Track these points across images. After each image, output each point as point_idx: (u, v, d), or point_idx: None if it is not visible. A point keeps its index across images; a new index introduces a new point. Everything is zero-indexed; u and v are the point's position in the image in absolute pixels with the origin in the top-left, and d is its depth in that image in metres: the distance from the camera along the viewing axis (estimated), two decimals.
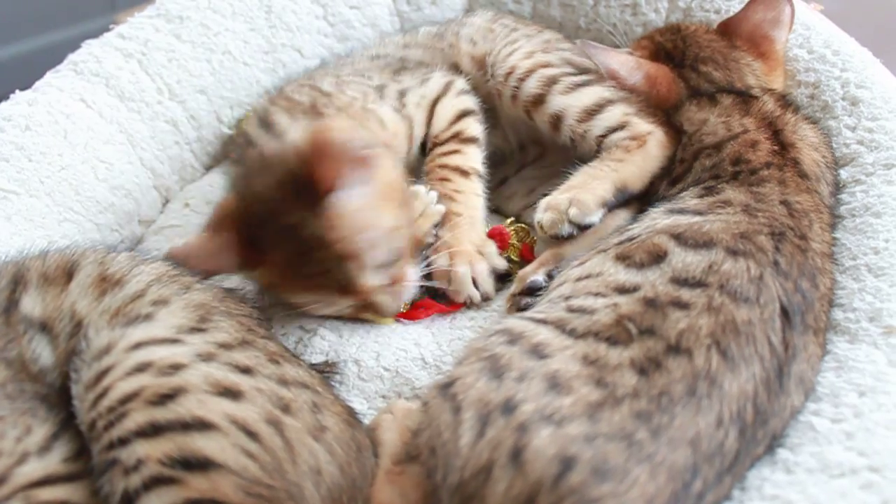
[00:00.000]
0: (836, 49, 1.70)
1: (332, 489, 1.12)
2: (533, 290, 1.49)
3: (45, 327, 1.22)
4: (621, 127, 1.61)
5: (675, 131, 1.60)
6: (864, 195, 1.47)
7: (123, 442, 1.06)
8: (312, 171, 1.35)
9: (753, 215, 1.31)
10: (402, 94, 1.73)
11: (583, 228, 1.51)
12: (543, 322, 1.21)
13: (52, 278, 1.26)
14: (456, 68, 1.88)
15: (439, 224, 1.61)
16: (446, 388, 1.13)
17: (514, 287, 1.53)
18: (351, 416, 1.27)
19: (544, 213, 1.53)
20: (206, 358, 1.16)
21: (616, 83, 1.66)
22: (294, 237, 1.40)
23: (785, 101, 1.59)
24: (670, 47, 1.68)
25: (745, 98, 1.57)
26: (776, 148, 1.46)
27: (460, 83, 1.78)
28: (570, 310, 1.23)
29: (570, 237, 1.52)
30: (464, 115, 1.73)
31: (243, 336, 1.25)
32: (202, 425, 1.07)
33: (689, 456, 1.04)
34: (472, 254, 1.58)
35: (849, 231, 1.44)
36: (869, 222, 1.42)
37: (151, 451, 1.05)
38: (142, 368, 1.12)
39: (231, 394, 1.12)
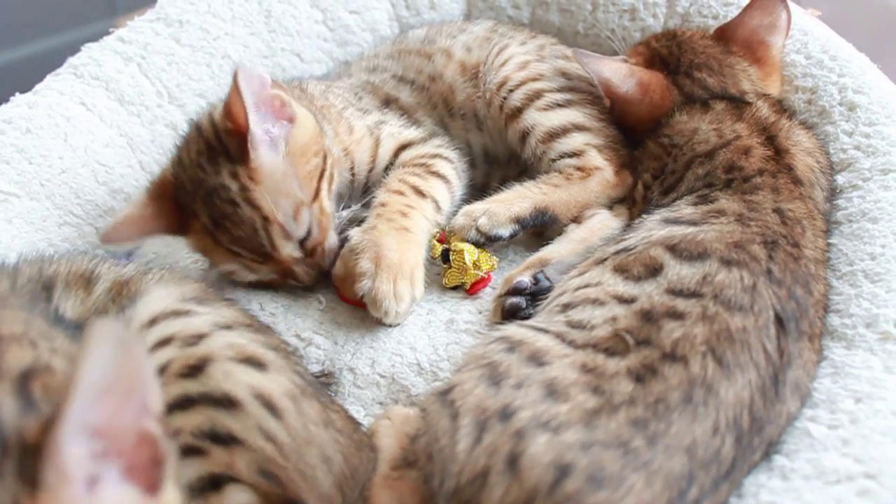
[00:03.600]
0: (834, 54, 1.71)
1: (338, 477, 1.13)
2: (518, 291, 1.50)
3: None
4: (575, 154, 1.65)
5: (632, 175, 1.65)
6: (860, 200, 1.47)
7: None
8: (227, 116, 1.46)
9: (747, 224, 1.32)
10: (380, 122, 1.78)
11: (491, 239, 1.59)
12: (544, 331, 1.22)
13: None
14: (437, 79, 1.90)
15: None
16: (445, 394, 1.14)
17: (500, 288, 1.54)
18: (349, 416, 1.29)
19: (458, 217, 1.61)
20: (225, 326, 1.18)
21: (608, 92, 1.67)
22: (215, 201, 1.50)
23: (780, 107, 1.60)
24: (665, 53, 1.69)
25: (738, 104, 1.58)
26: (770, 153, 1.46)
27: (438, 140, 1.80)
28: (570, 324, 1.24)
29: (479, 244, 1.60)
30: (437, 157, 1.74)
31: (250, 321, 1.29)
32: (229, 402, 1.08)
33: (686, 463, 1.05)
34: (401, 270, 1.48)
35: (845, 237, 1.44)
36: (866, 228, 1.43)
37: (186, 422, 1.07)
38: (165, 342, 1.13)
39: (256, 364, 1.13)
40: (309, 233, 1.55)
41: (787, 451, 1.16)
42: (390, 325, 1.52)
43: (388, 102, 1.87)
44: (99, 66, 1.92)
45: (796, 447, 1.16)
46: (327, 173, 1.58)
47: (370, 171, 1.74)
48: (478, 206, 1.61)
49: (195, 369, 1.10)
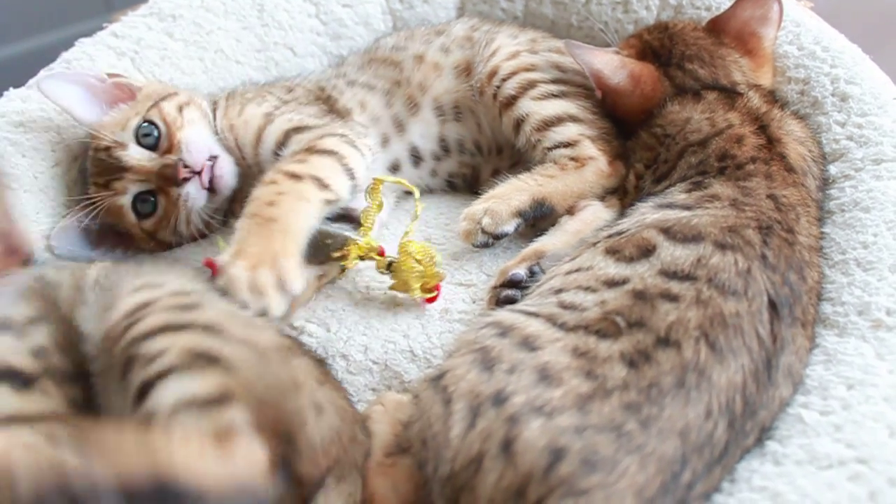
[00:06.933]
0: (826, 45, 1.72)
1: (332, 428, 1.13)
2: (514, 283, 1.50)
3: None
4: (569, 145, 1.66)
5: (625, 166, 1.65)
6: (853, 190, 1.48)
7: (146, 336, 1.07)
8: None
9: (741, 209, 1.32)
10: (288, 110, 1.79)
11: (497, 237, 1.58)
12: (535, 315, 1.22)
13: None
14: (402, 84, 1.90)
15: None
16: (437, 379, 1.14)
17: (494, 280, 1.54)
18: (348, 396, 1.30)
19: (462, 222, 1.60)
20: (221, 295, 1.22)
21: (600, 83, 1.67)
22: (95, 164, 1.73)
23: (772, 97, 1.61)
24: (657, 45, 1.69)
25: (729, 94, 1.58)
26: (763, 142, 1.47)
27: (340, 124, 1.79)
28: (562, 305, 1.24)
29: (486, 245, 1.60)
30: (325, 136, 1.68)
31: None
32: (217, 330, 1.09)
33: (679, 447, 1.05)
34: (262, 259, 1.37)
35: (838, 226, 1.45)
36: (858, 217, 1.43)
37: (175, 342, 1.05)
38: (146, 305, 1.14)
39: (247, 323, 1.15)
40: (159, 136, 1.68)
41: (780, 436, 1.16)
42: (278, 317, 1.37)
43: (318, 99, 1.88)
44: (92, 60, 1.92)
45: (789, 433, 1.16)
46: (175, 98, 1.74)
47: (256, 146, 1.74)
48: (477, 208, 1.60)
49: (184, 308, 1.13)
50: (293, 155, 1.62)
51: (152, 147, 1.68)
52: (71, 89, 1.71)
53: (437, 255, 1.54)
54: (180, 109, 1.72)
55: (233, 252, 1.38)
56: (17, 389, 1.08)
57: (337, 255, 1.56)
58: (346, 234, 1.57)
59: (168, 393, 1.00)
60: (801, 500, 1.05)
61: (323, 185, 1.54)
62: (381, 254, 1.56)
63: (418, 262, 1.52)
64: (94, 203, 1.68)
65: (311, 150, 1.62)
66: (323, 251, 1.56)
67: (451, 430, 1.07)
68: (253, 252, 1.38)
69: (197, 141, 1.69)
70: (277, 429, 1.03)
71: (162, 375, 1.02)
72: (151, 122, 1.68)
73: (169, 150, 1.66)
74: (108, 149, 1.67)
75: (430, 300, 1.56)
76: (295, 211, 1.47)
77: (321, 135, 1.67)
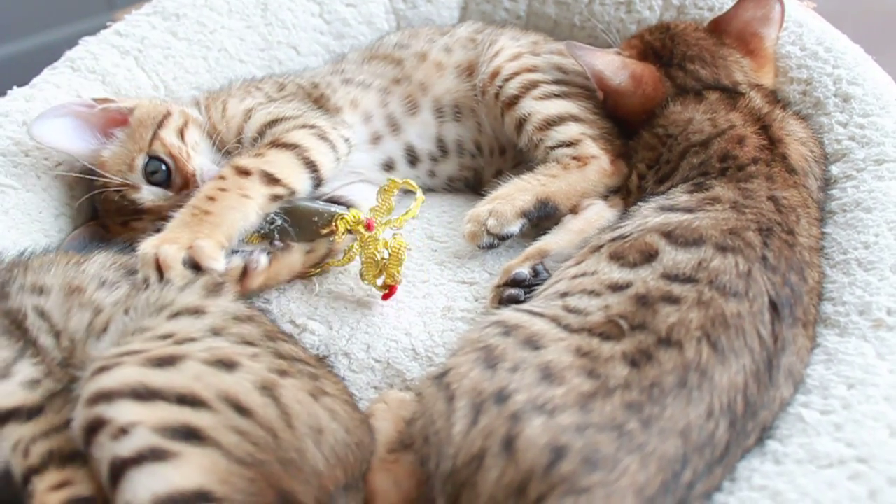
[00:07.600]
0: (829, 46, 1.72)
1: (337, 447, 1.12)
2: (517, 282, 1.50)
3: None
4: (571, 144, 1.66)
5: (627, 165, 1.65)
6: (854, 191, 1.48)
7: (112, 396, 1.05)
8: None
9: (741, 212, 1.32)
10: (269, 105, 1.78)
11: (503, 238, 1.59)
12: (539, 315, 1.23)
13: None
14: (402, 81, 1.90)
15: None
16: (440, 377, 1.15)
17: (498, 278, 1.54)
18: (349, 394, 1.29)
19: (466, 224, 1.60)
20: (215, 332, 1.20)
21: (601, 84, 1.68)
22: (100, 200, 1.72)
23: (773, 97, 1.61)
24: (659, 46, 1.70)
25: (731, 94, 1.59)
26: (764, 142, 1.47)
27: (322, 116, 1.78)
28: (567, 309, 1.24)
29: (492, 247, 1.60)
30: (297, 127, 1.68)
31: (250, 313, 1.31)
32: (191, 397, 1.07)
33: (680, 446, 1.05)
34: (177, 240, 1.41)
35: (839, 226, 1.45)
36: (859, 217, 1.44)
37: (145, 416, 1.03)
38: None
39: (226, 365, 1.12)
40: (168, 170, 1.64)
41: (780, 435, 1.17)
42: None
43: (309, 96, 1.87)
44: (96, 59, 1.93)
45: (789, 432, 1.17)
46: (171, 121, 1.69)
47: (238, 141, 1.72)
48: (482, 209, 1.60)
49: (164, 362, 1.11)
50: (256, 148, 1.64)
51: (164, 183, 1.65)
52: (61, 124, 1.66)
53: (405, 257, 1.52)
54: (181, 135, 1.68)
55: (157, 237, 1.42)
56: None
57: (325, 231, 1.56)
58: (333, 209, 1.57)
59: (143, 489, 0.99)
60: (801, 499, 1.05)
61: (272, 181, 1.55)
62: (370, 227, 1.54)
63: (389, 251, 1.51)
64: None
65: (272, 143, 1.63)
66: (311, 230, 1.57)
67: (454, 427, 1.08)
68: (173, 236, 1.42)
69: (210, 172, 1.64)
70: (269, 493, 1.04)
71: (135, 461, 1.00)
72: (157, 158, 1.64)
73: (185, 185, 1.63)
74: (119, 190, 1.64)
75: (385, 296, 1.54)
76: (233, 207, 1.49)
77: (291, 127, 1.68)
